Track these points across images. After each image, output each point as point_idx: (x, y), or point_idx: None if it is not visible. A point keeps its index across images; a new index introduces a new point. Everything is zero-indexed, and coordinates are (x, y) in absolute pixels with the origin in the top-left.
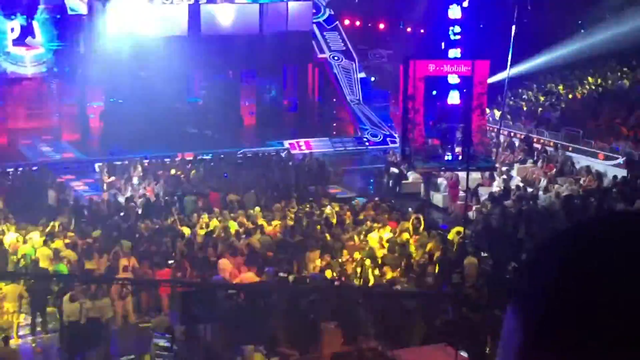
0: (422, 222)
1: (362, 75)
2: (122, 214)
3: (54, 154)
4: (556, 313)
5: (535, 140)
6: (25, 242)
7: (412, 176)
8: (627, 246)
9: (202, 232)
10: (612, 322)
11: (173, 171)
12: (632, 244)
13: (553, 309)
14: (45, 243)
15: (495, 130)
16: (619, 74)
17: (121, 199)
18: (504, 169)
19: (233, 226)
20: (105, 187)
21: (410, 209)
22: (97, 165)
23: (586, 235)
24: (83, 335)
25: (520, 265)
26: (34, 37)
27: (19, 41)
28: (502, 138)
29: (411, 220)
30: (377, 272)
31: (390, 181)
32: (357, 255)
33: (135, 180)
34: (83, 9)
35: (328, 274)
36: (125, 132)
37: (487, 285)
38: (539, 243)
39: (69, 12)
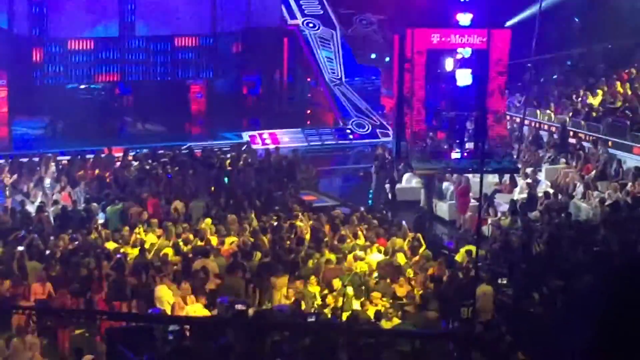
0: (423, 243)
1: (345, 46)
2: (30, 227)
3: None
4: None
5: (569, 133)
6: None
7: (408, 179)
8: None
9: (134, 251)
10: None
11: (96, 171)
12: None
13: None
14: None
15: (518, 120)
16: None
17: (30, 208)
18: (528, 170)
19: (176, 244)
20: (7, 191)
21: (404, 223)
22: None
23: None
24: None
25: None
26: None
27: None
28: (526, 130)
29: (407, 240)
30: (362, 303)
31: (379, 186)
32: (337, 283)
33: (47, 183)
34: None
35: (300, 305)
36: (37, 120)
37: (505, 322)
38: (581, 290)
39: None
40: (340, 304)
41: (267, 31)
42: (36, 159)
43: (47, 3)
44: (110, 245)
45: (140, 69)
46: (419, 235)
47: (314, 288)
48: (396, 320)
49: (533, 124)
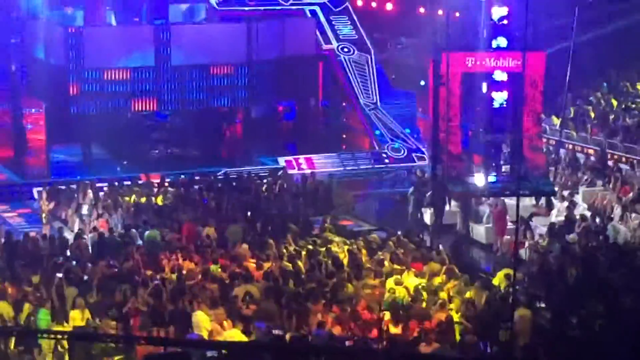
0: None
1: (379, 71)
2: (68, 254)
3: None
4: None
5: (607, 155)
6: None
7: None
8: None
9: (172, 277)
10: None
11: (133, 198)
12: None
13: None
14: None
15: (554, 142)
16: None
17: (67, 235)
18: (565, 193)
19: (214, 270)
20: (45, 218)
21: (441, 247)
22: (35, 191)
23: None
24: None
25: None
26: None
27: None
28: (562, 153)
29: (445, 264)
30: (400, 328)
31: (415, 209)
32: (375, 307)
33: (84, 210)
34: None
35: (337, 330)
36: (74, 147)
37: (544, 346)
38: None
39: None
40: (378, 328)
41: (302, 58)
42: (74, 186)
43: (84, 33)
44: (148, 272)
45: (176, 98)
46: (453, 266)
47: (352, 313)
48: (434, 345)
49: (570, 146)
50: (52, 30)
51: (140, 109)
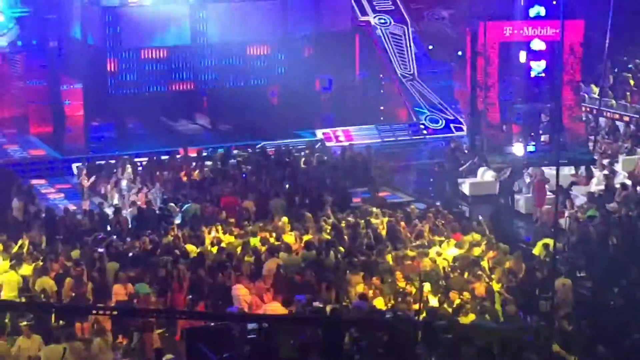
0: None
1: (416, 41)
2: (108, 228)
3: (19, 151)
4: None
5: None
6: None
7: (484, 173)
8: None
9: (212, 250)
10: None
11: (171, 172)
12: None
13: None
14: (11, 267)
15: (594, 111)
16: None
17: (107, 210)
18: (605, 162)
19: (254, 242)
20: (85, 193)
21: (480, 217)
22: (74, 166)
23: None
24: None
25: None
26: None
27: None
28: (602, 121)
29: (485, 235)
30: (440, 299)
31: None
32: (414, 279)
33: (124, 185)
34: None
35: (377, 302)
36: (111, 122)
37: (585, 316)
38: None
39: None
40: (418, 299)
41: (338, 34)
42: (112, 162)
43: (120, 13)
44: (188, 246)
45: (212, 76)
46: (493, 233)
47: (392, 284)
48: (474, 315)
49: (609, 115)
50: (88, 10)
51: (177, 88)
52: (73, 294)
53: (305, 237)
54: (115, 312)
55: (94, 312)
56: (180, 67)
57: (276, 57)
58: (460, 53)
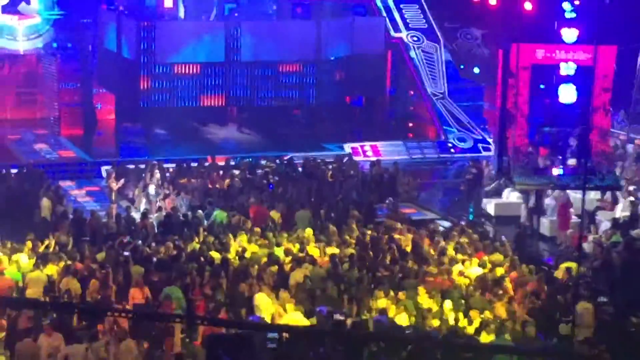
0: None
1: (449, 61)
2: (134, 232)
3: (50, 152)
4: None
5: None
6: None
7: (509, 194)
8: None
9: (236, 258)
10: None
11: (199, 179)
12: None
13: None
14: (35, 266)
15: (622, 137)
16: None
17: (134, 214)
18: (631, 188)
19: (277, 253)
20: (113, 197)
21: (504, 238)
22: (104, 169)
23: None
24: None
25: None
26: (28, 3)
27: (9, 8)
28: (630, 148)
29: (508, 256)
30: (461, 317)
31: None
32: (436, 296)
33: (151, 190)
34: None
35: (398, 318)
36: (142, 127)
37: (605, 341)
38: None
39: None
40: (439, 317)
41: (370, 56)
42: (142, 166)
43: (155, 27)
44: (213, 253)
45: (244, 94)
46: (516, 255)
47: (414, 301)
48: (494, 335)
49: (637, 142)
50: (123, 20)
51: (208, 104)
52: (98, 296)
53: (329, 250)
54: (138, 316)
55: (117, 314)
56: (212, 83)
57: (307, 77)
58: (491, 74)
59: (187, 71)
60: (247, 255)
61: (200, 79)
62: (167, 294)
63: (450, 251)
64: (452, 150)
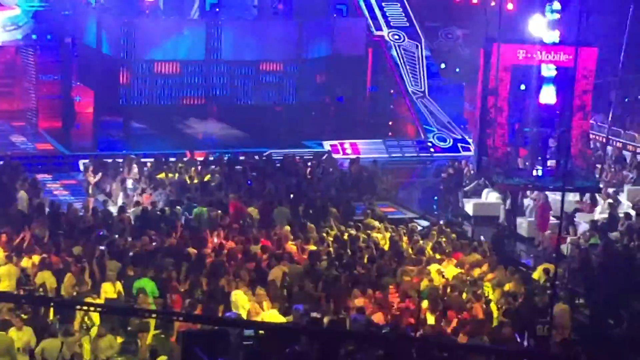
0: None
1: (429, 59)
2: (111, 226)
3: (27, 145)
4: None
5: None
6: None
7: (488, 195)
8: None
9: (213, 254)
10: None
11: (177, 174)
12: None
13: None
14: (8, 258)
15: (601, 139)
16: None
17: (111, 208)
18: (610, 190)
19: (254, 250)
20: (90, 190)
21: (482, 238)
22: (81, 163)
23: None
24: None
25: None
26: None
27: None
28: (609, 150)
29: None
30: (438, 317)
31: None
32: (413, 295)
33: (129, 184)
34: None
35: (375, 316)
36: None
37: (582, 342)
38: None
39: None
40: (416, 316)
41: (352, 57)
42: (119, 160)
43: (135, 25)
44: (190, 248)
45: (224, 92)
46: (494, 255)
47: (391, 299)
48: (471, 335)
49: (616, 144)
50: (103, 15)
51: (188, 103)
52: (74, 293)
53: (307, 247)
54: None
55: (92, 309)
56: (193, 82)
57: (288, 78)
58: (472, 73)
59: (167, 70)
60: (224, 250)
61: (180, 77)
62: (141, 287)
63: (429, 250)
64: (432, 149)
